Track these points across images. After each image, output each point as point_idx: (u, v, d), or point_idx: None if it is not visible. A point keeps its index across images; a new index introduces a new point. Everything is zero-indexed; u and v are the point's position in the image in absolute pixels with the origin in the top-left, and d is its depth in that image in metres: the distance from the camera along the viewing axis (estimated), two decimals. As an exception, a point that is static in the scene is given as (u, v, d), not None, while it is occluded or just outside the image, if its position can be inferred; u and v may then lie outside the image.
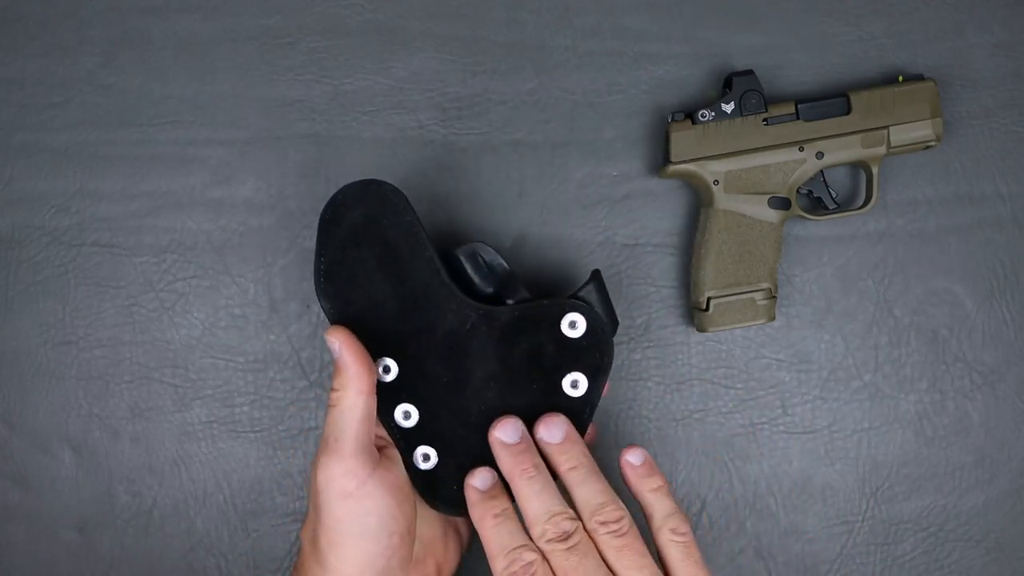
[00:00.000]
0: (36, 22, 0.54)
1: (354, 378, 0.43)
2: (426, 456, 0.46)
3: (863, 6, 0.54)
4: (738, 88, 0.50)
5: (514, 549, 0.41)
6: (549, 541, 0.40)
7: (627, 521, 0.41)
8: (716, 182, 0.51)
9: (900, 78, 0.51)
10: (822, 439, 0.54)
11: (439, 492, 0.46)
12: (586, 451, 0.44)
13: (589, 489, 0.42)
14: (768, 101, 0.52)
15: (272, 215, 0.54)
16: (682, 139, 0.50)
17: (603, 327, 0.45)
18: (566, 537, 0.40)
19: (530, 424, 0.45)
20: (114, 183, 0.54)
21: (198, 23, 0.54)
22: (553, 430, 0.44)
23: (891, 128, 0.50)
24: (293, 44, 0.54)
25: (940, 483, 0.54)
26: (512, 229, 0.54)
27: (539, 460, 0.43)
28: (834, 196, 0.52)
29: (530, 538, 0.41)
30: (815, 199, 0.53)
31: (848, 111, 0.50)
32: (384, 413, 0.46)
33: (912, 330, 0.54)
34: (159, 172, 0.54)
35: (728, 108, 0.50)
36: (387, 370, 0.45)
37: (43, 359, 0.54)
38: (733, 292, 0.51)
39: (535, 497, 0.42)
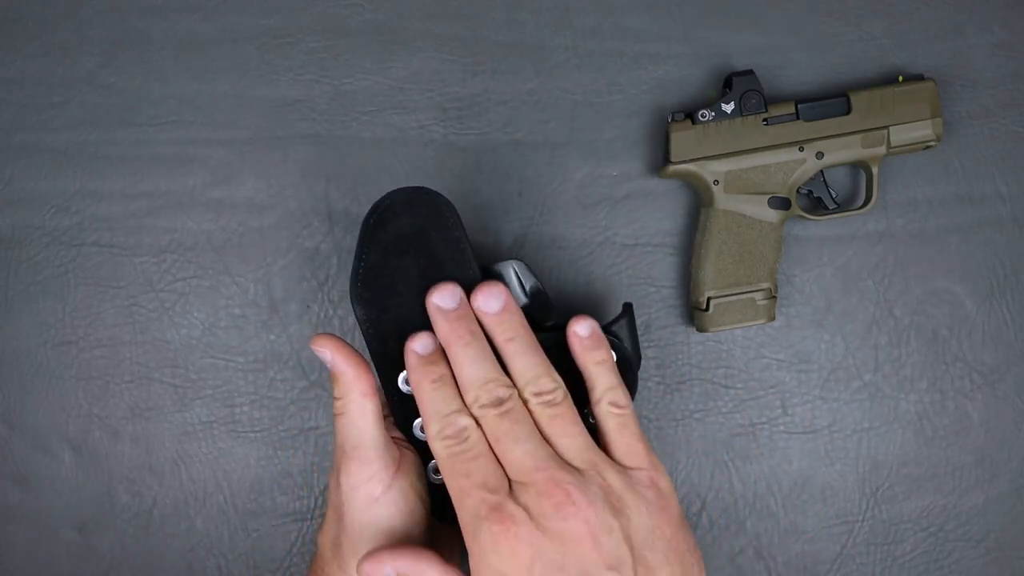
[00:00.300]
0: (36, 22, 0.54)
1: (354, 381, 0.42)
2: (438, 470, 0.45)
3: (863, 6, 0.54)
4: (738, 88, 0.50)
5: (448, 415, 0.40)
6: (483, 407, 0.40)
7: (561, 392, 0.41)
8: (716, 182, 0.51)
9: (900, 78, 0.51)
10: (822, 439, 0.54)
11: (449, 507, 0.44)
12: (524, 322, 0.42)
13: (525, 361, 0.41)
14: (768, 101, 0.53)
15: (272, 215, 0.54)
16: (682, 139, 0.50)
17: (632, 364, 0.45)
18: (499, 403, 0.40)
19: None
20: (114, 183, 0.54)
21: (198, 23, 0.54)
22: (491, 300, 0.42)
23: (891, 128, 0.50)
24: (293, 44, 0.54)
25: (940, 483, 0.54)
26: (512, 229, 0.54)
27: (476, 328, 0.42)
28: (834, 196, 0.52)
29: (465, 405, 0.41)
30: (815, 199, 0.53)
31: (848, 111, 0.50)
32: (402, 424, 0.45)
33: (912, 330, 0.54)
34: (159, 172, 0.54)
35: (728, 108, 0.50)
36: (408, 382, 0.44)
37: (43, 359, 0.54)
38: (733, 292, 0.51)
39: (470, 363, 0.40)
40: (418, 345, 0.42)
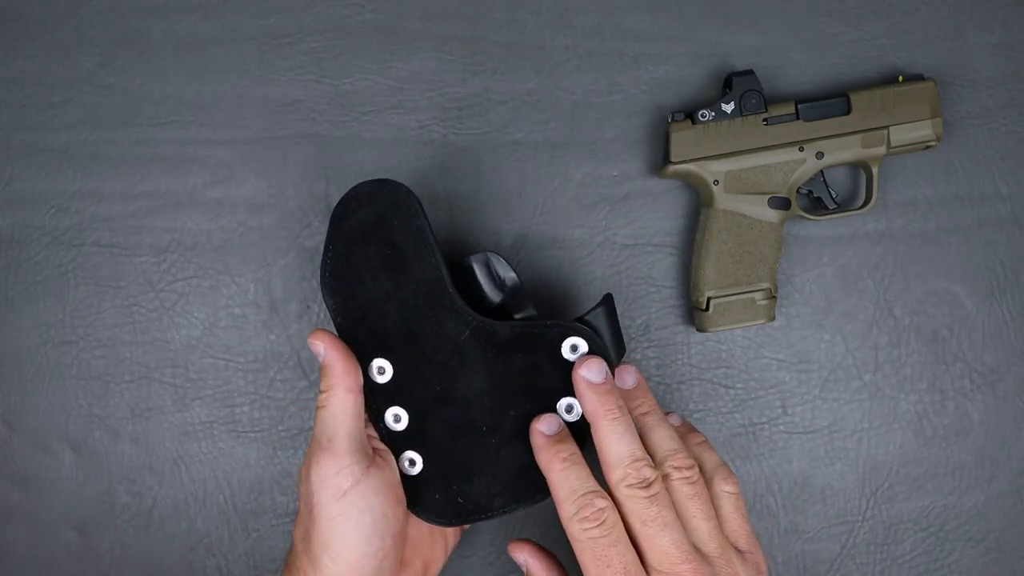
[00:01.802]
0: (36, 22, 0.54)
1: (341, 376, 0.43)
2: (412, 462, 0.45)
3: (863, 6, 0.54)
4: (738, 88, 0.50)
5: (584, 494, 0.39)
6: (630, 486, 0.39)
7: (697, 470, 0.41)
8: (716, 182, 0.51)
9: (900, 78, 0.51)
10: (822, 439, 0.54)
11: (421, 499, 0.45)
12: (655, 400, 0.43)
13: (662, 435, 0.42)
14: (768, 101, 0.52)
15: (272, 215, 0.54)
16: (682, 139, 0.50)
17: (606, 355, 0.44)
18: (647, 484, 0.39)
19: (524, 437, 0.44)
20: (114, 183, 0.54)
21: (198, 23, 0.54)
22: (626, 376, 0.44)
23: (891, 128, 0.50)
24: (293, 44, 0.54)
25: (940, 483, 0.54)
26: (512, 229, 0.54)
27: (623, 402, 0.42)
28: (834, 196, 0.52)
29: (598, 484, 0.40)
30: (815, 199, 0.53)
31: (848, 111, 0.50)
32: (375, 414, 0.45)
33: (912, 330, 0.54)
34: (159, 172, 0.54)
35: (728, 108, 0.50)
36: (382, 371, 0.45)
37: (43, 359, 0.54)
38: (733, 292, 0.51)
39: (618, 439, 0.40)
40: (544, 426, 0.43)
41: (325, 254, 0.45)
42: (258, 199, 0.54)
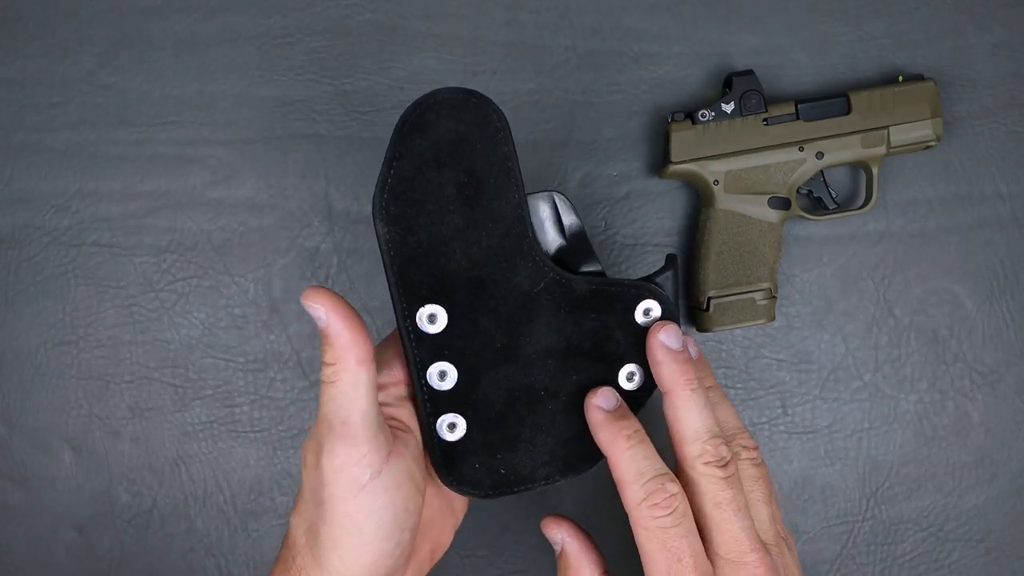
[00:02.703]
0: (36, 22, 0.54)
1: (350, 347, 0.35)
2: (452, 426, 0.40)
3: (863, 6, 0.54)
4: (738, 88, 0.50)
5: (655, 477, 0.36)
6: (707, 464, 0.36)
7: (760, 452, 0.39)
8: (716, 182, 0.51)
9: (900, 78, 0.51)
10: (822, 439, 0.54)
11: (458, 469, 0.40)
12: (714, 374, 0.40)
13: (727, 411, 0.39)
14: (768, 101, 0.52)
15: (272, 215, 0.54)
16: (682, 139, 0.50)
17: (675, 317, 0.40)
18: (724, 464, 0.36)
19: (580, 403, 0.40)
20: (114, 183, 0.54)
21: (198, 23, 0.54)
22: (689, 346, 0.40)
23: (891, 128, 0.50)
24: (293, 44, 0.54)
25: (940, 483, 0.54)
26: (512, 229, 0.54)
27: (702, 373, 0.39)
28: (834, 196, 0.52)
29: (667, 466, 0.37)
30: (815, 199, 0.53)
31: (848, 111, 0.50)
32: (417, 369, 0.39)
33: (912, 330, 0.54)
34: (159, 172, 0.54)
35: (728, 108, 0.50)
36: (432, 320, 0.38)
37: (43, 359, 0.54)
38: (733, 292, 0.51)
39: (698, 412, 0.37)
40: (601, 400, 0.39)
41: (386, 171, 0.37)
42: (258, 199, 0.54)
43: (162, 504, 0.54)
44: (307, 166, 0.54)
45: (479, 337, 0.39)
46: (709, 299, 0.51)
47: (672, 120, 0.51)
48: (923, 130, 0.50)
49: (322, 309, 0.35)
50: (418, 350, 0.39)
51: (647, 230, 0.54)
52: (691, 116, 0.50)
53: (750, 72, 0.50)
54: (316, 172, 0.54)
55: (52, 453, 0.54)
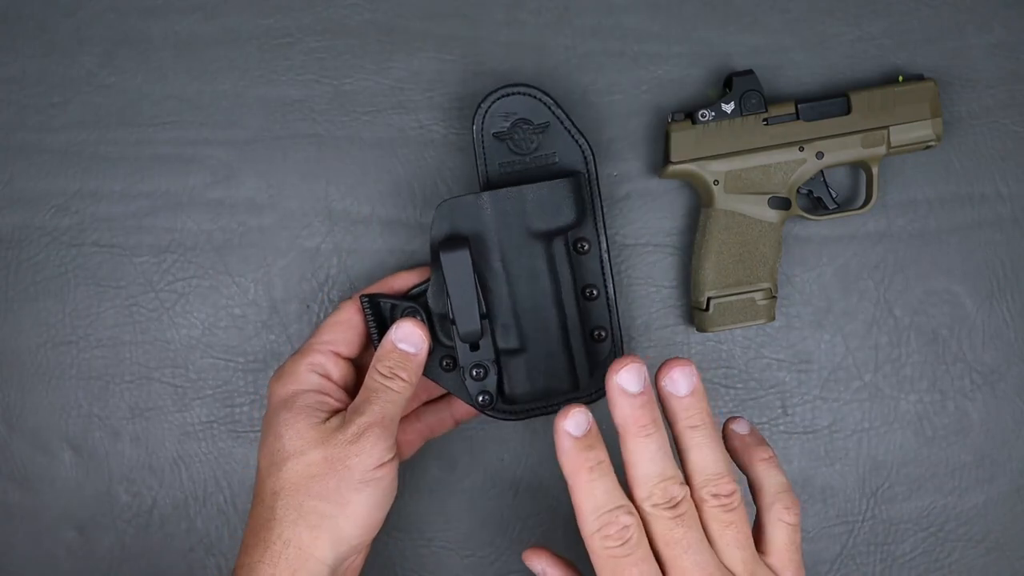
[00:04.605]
0: (36, 22, 0.54)
1: (420, 366, 0.45)
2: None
3: (863, 6, 0.54)
4: (738, 88, 0.50)
5: (610, 511, 0.37)
6: (655, 506, 0.37)
7: (738, 497, 0.38)
8: (716, 182, 0.51)
9: (900, 78, 0.51)
10: (822, 439, 0.54)
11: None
12: (709, 411, 0.39)
13: (707, 455, 0.38)
14: (768, 101, 0.52)
15: (272, 215, 0.54)
16: (682, 139, 0.50)
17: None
18: (674, 504, 0.37)
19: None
20: (114, 183, 0.54)
21: (198, 23, 0.54)
22: (681, 382, 0.39)
23: (891, 128, 0.50)
24: (293, 44, 0.54)
25: (940, 483, 0.54)
26: (512, 229, 0.53)
27: (659, 416, 0.38)
28: (834, 196, 0.52)
29: (626, 496, 0.38)
30: (815, 199, 0.53)
31: (848, 111, 0.50)
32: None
33: (912, 330, 0.54)
34: (159, 172, 0.54)
35: (728, 108, 0.50)
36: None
37: (43, 359, 0.54)
38: (733, 292, 0.51)
39: (649, 459, 0.38)
40: (571, 424, 0.38)
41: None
42: (258, 199, 0.54)
43: (162, 504, 0.54)
44: (307, 166, 0.54)
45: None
46: (709, 299, 0.51)
47: (672, 120, 0.51)
48: (923, 130, 0.50)
49: (419, 337, 0.45)
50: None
51: (647, 230, 0.54)
52: (691, 116, 0.50)
53: (750, 72, 0.50)
54: (316, 172, 0.54)
55: (52, 453, 0.54)
